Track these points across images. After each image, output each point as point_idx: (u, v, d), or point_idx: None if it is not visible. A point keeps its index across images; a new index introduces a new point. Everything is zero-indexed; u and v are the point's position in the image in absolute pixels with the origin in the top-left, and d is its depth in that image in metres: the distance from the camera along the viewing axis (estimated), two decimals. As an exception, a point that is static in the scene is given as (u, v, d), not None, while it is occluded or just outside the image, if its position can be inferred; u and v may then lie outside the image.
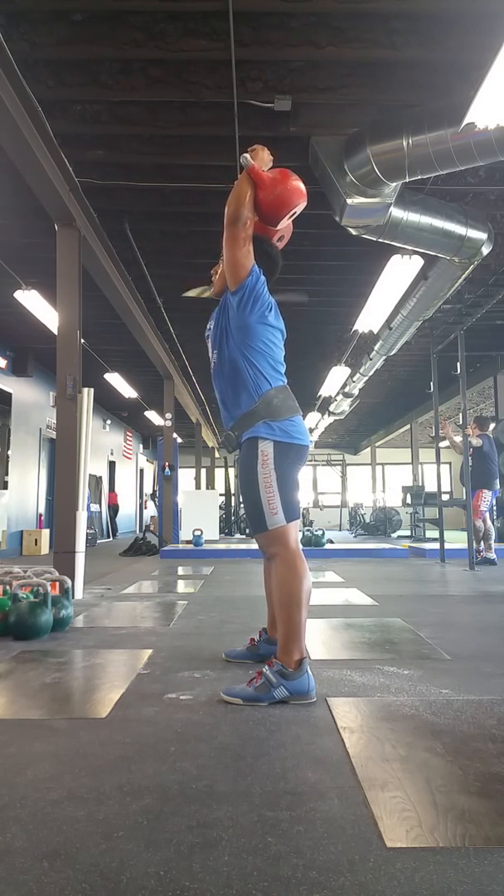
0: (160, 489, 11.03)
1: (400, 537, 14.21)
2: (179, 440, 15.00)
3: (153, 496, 13.87)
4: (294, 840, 1.26)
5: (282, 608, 2.21)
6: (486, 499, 7.56)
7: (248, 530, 14.91)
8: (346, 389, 11.99)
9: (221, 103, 4.27)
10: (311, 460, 23.84)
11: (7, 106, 3.58)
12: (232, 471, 17.24)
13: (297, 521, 2.30)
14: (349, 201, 4.59)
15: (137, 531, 18.03)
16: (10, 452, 9.88)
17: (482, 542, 7.51)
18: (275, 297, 2.51)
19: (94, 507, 14.45)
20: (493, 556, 7.52)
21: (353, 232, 5.21)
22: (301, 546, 2.33)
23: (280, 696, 2.09)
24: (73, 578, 4.45)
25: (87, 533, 5.65)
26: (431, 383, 8.03)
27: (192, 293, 3.53)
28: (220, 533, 13.29)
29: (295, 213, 2.44)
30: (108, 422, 16.19)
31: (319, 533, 10.01)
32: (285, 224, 2.47)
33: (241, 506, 16.02)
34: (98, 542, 13.31)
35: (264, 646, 2.58)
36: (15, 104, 3.67)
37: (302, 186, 2.45)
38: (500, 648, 3.01)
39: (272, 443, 2.25)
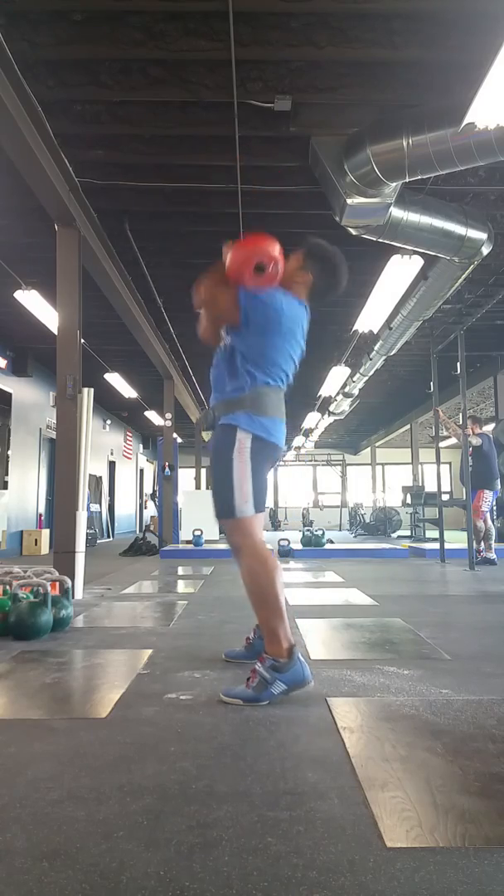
0: (160, 489, 11.03)
1: (400, 537, 14.20)
2: (179, 440, 14.99)
3: (153, 496, 13.87)
4: (294, 840, 1.26)
5: (258, 599, 2.21)
6: (487, 499, 7.56)
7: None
8: (346, 389, 11.99)
9: (221, 103, 4.27)
10: (311, 460, 23.89)
11: (7, 106, 3.58)
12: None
13: (261, 515, 2.33)
14: (349, 201, 4.60)
15: (137, 531, 18.03)
16: (10, 452, 9.88)
17: (482, 542, 7.51)
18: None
19: (94, 507, 14.45)
20: (493, 556, 7.52)
21: (353, 232, 5.21)
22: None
23: (278, 691, 2.08)
24: (73, 578, 4.44)
25: (87, 533, 5.64)
26: (431, 383, 8.03)
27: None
28: (220, 533, 13.26)
29: (262, 261, 2.36)
30: (108, 422, 16.19)
31: (319, 533, 10.00)
32: (266, 273, 2.36)
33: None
34: (98, 542, 13.31)
35: (259, 643, 2.57)
36: (15, 104, 3.67)
37: (255, 242, 2.43)
38: (500, 648, 3.01)
39: (251, 435, 2.26)
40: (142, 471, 21.87)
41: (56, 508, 4.90)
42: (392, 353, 9.15)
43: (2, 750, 1.73)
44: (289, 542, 9.05)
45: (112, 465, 17.00)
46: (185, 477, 17.18)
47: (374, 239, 5.27)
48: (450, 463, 18.88)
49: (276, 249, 2.38)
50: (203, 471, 17.49)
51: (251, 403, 2.29)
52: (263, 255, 2.35)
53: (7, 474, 9.80)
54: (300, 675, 2.12)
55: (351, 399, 12.90)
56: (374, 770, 1.58)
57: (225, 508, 2.27)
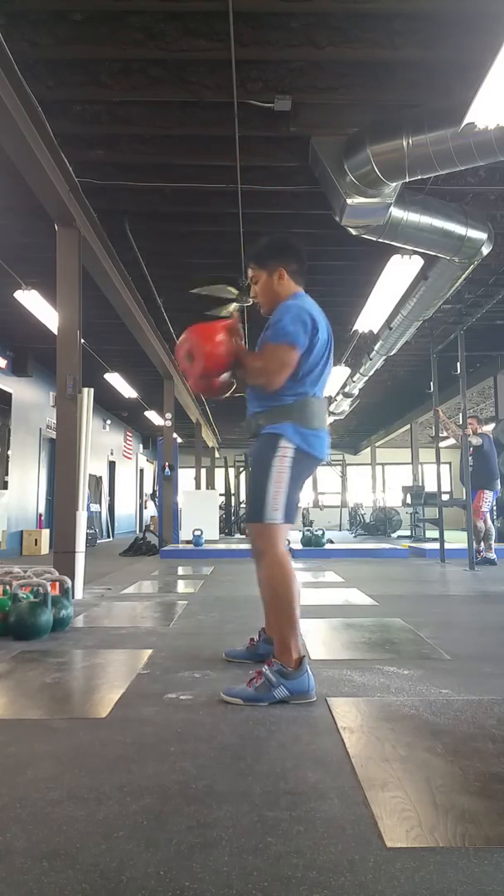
0: (160, 489, 11.03)
1: (400, 537, 14.20)
2: (179, 440, 14.98)
3: (153, 496, 13.87)
4: (294, 840, 1.26)
5: (275, 609, 2.21)
6: (488, 499, 7.56)
7: (247, 530, 14.92)
8: (346, 389, 11.99)
9: (221, 103, 4.27)
10: (311, 460, 23.80)
11: (7, 106, 3.57)
12: (232, 471, 17.25)
13: (288, 527, 2.32)
14: (349, 201, 4.60)
15: (137, 531, 18.03)
16: (10, 452, 9.88)
17: (482, 543, 7.51)
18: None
19: (94, 507, 14.45)
20: (493, 556, 7.52)
21: (353, 232, 5.21)
22: (301, 546, 2.34)
23: (280, 695, 2.09)
24: (73, 578, 4.44)
25: (87, 533, 5.64)
26: (431, 383, 8.03)
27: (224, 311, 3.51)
28: (220, 533, 13.28)
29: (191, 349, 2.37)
30: (108, 422, 16.19)
31: (319, 533, 10.00)
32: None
33: (242, 505, 16.05)
34: (98, 542, 13.31)
35: (264, 646, 2.57)
36: (15, 104, 3.67)
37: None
38: (500, 648, 3.01)
39: (294, 447, 2.26)
40: (142, 471, 21.87)
41: (56, 508, 4.90)
42: (392, 353, 9.15)
43: (2, 750, 1.73)
44: (289, 542, 9.02)
45: (112, 465, 17.00)
46: (185, 477, 17.18)
47: (374, 239, 5.27)
48: (450, 463, 18.87)
49: (212, 337, 2.36)
50: (203, 471, 17.50)
51: (298, 416, 2.28)
52: (194, 345, 2.36)
53: (7, 474, 9.80)
54: (305, 686, 2.12)
55: (351, 399, 12.90)
56: (374, 770, 1.58)
57: (255, 512, 2.27)
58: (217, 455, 21.01)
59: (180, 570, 7.16)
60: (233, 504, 15.99)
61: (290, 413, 2.28)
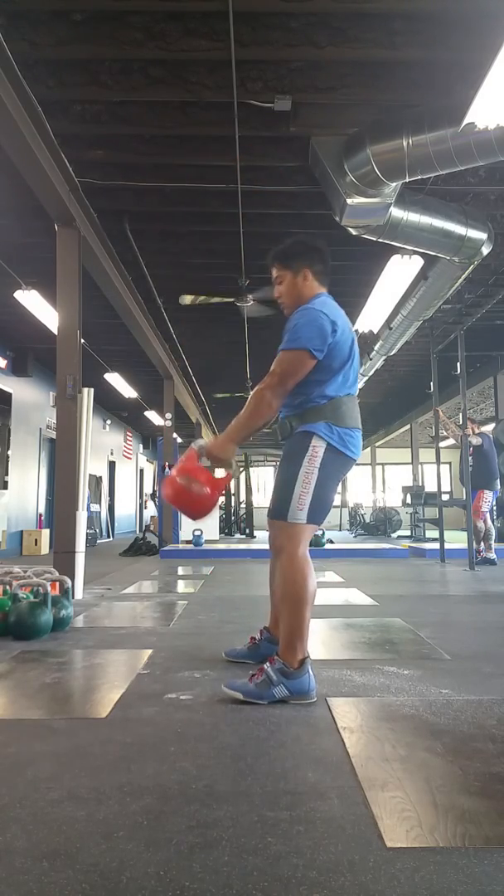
0: (160, 489, 11.01)
1: (400, 537, 14.20)
2: (179, 440, 14.98)
3: (153, 496, 13.86)
4: (294, 840, 1.26)
5: (288, 607, 2.20)
6: (488, 499, 7.56)
7: (247, 530, 14.92)
8: (347, 389, 11.97)
9: (221, 103, 4.26)
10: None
11: (7, 106, 3.57)
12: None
13: (314, 528, 2.27)
14: (349, 201, 4.59)
15: (137, 531, 18.03)
16: (10, 452, 9.88)
17: (482, 543, 7.51)
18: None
19: (94, 507, 14.45)
20: (493, 556, 7.52)
21: (353, 232, 5.21)
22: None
23: (280, 694, 2.09)
24: (73, 578, 4.44)
25: (87, 533, 5.64)
26: (431, 383, 8.03)
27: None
28: (220, 533, 13.28)
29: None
30: (108, 422, 16.19)
31: (319, 533, 10.00)
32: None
33: (242, 505, 16.04)
34: (98, 542, 13.31)
35: (265, 644, 2.57)
36: (15, 104, 3.67)
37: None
38: (500, 648, 3.01)
39: (326, 445, 2.24)
40: (142, 471, 21.86)
41: (56, 508, 4.90)
42: (392, 353, 9.14)
43: (2, 750, 1.73)
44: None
45: (112, 465, 17.00)
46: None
47: (374, 239, 5.27)
48: (450, 463, 18.87)
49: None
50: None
51: (332, 414, 2.27)
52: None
53: (7, 474, 9.80)
54: (305, 687, 2.11)
55: (351, 399, 12.87)
56: (374, 770, 1.58)
57: (278, 508, 2.24)
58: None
59: (180, 570, 7.16)
60: (233, 504, 15.98)
61: (324, 413, 2.27)
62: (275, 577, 2.39)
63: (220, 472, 2.36)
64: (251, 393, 2.31)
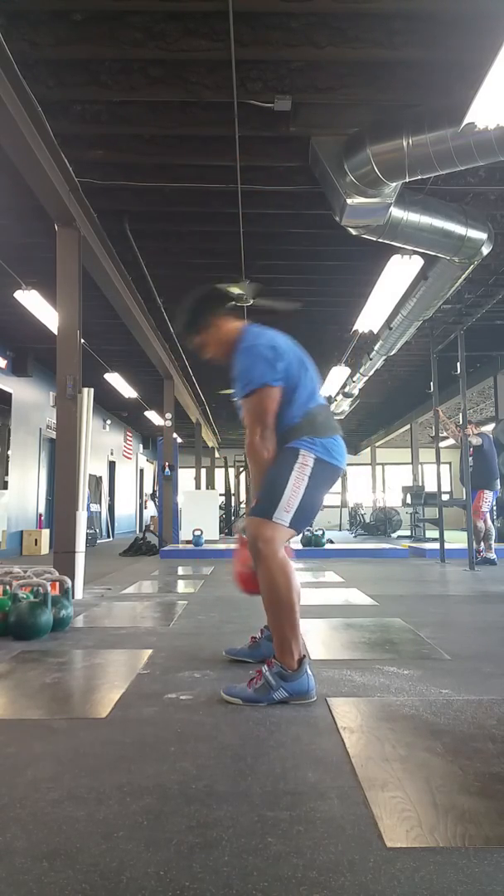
0: (160, 489, 11.03)
1: (400, 537, 14.20)
2: (179, 440, 14.99)
3: (153, 496, 13.87)
4: (294, 840, 1.26)
5: (275, 611, 2.17)
6: (488, 499, 7.56)
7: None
8: (346, 389, 11.99)
9: (221, 103, 4.26)
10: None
11: (7, 106, 3.57)
12: (232, 471, 17.24)
13: (292, 534, 2.26)
14: (349, 201, 4.59)
15: (137, 531, 18.03)
16: (10, 452, 9.88)
17: (482, 543, 7.51)
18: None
19: (94, 507, 14.45)
20: (493, 556, 7.52)
21: (353, 232, 5.21)
22: (301, 546, 2.31)
23: (279, 697, 2.08)
24: (73, 578, 4.44)
25: (87, 533, 5.64)
26: (431, 383, 8.03)
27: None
28: (220, 533, 13.28)
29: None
30: (108, 422, 16.19)
31: (319, 533, 10.01)
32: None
33: (242, 504, 16.05)
34: (98, 542, 13.31)
35: (266, 643, 2.57)
36: (15, 104, 3.67)
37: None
38: (500, 648, 3.01)
39: (314, 457, 2.24)
40: (142, 471, 21.86)
41: (56, 508, 4.90)
42: (392, 353, 9.14)
43: (2, 750, 1.73)
44: (288, 542, 9.02)
45: (112, 465, 17.00)
46: (185, 477, 17.18)
47: (374, 239, 5.27)
48: (450, 463, 18.87)
49: None
50: (203, 471, 17.49)
51: (310, 427, 2.28)
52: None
53: (7, 474, 9.80)
54: (304, 687, 2.11)
55: (351, 399, 12.89)
56: (374, 770, 1.58)
57: (263, 507, 2.21)
58: (217, 455, 21.01)
59: (180, 570, 7.16)
60: (233, 504, 15.99)
61: (303, 429, 2.28)
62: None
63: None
64: (246, 452, 2.35)
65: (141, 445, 21.70)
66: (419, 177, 4.31)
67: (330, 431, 2.31)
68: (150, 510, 19.52)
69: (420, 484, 15.79)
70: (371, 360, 9.61)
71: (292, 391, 2.30)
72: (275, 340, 2.32)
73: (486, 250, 5.58)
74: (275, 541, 2.18)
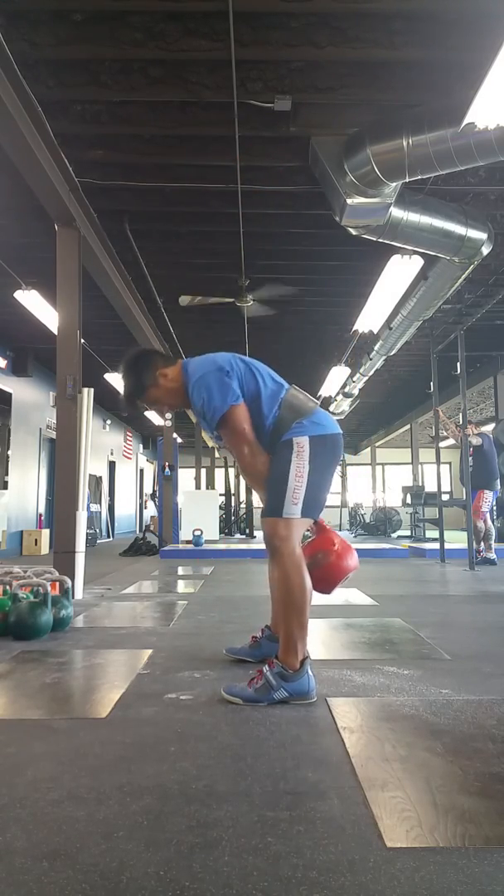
0: (160, 489, 11.03)
1: (400, 537, 14.20)
2: (179, 440, 14.98)
3: (153, 496, 13.87)
4: (294, 840, 1.26)
5: (288, 610, 2.18)
6: (488, 499, 7.56)
7: (247, 530, 14.92)
8: (346, 389, 11.99)
9: (221, 103, 4.26)
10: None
11: (7, 106, 3.57)
12: (232, 471, 17.23)
13: (307, 522, 2.27)
14: (349, 201, 4.59)
15: (137, 531, 18.03)
16: (10, 452, 9.88)
17: (482, 543, 7.51)
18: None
19: (94, 507, 14.45)
20: (493, 556, 7.52)
21: (353, 232, 5.21)
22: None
23: (280, 697, 2.08)
24: (73, 578, 4.44)
25: (87, 533, 5.64)
26: (431, 383, 8.02)
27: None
28: (220, 533, 13.29)
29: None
30: (108, 422, 16.19)
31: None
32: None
33: (242, 504, 16.04)
34: (98, 542, 13.31)
35: (266, 643, 2.57)
36: (15, 104, 3.67)
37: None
38: (500, 648, 3.01)
39: (307, 437, 2.26)
40: (142, 471, 21.86)
41: (56, 508, 4.90)
42: (392, 353, 9.14)
43: (2, 750, 1.73)
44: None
45: (112, 465, 17.00)
46: (185, 477, 17.18)
47: (374, 239, 5.27)
48: (450, 463, 18.87)
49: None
50: (203, 471, 17.49)
51: (290, 414, 2.30)
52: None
53: (7, 474, 9.80)
54: (305, 688, 2.11)
55: (351, 399, 12.89)
56: (374, 770, 1.58)
57: (272, 506, 2.22)
58: (217, 455, 21.00)
59: (180, 570, 7.16)
60: (233, 504, 15.98)
61: (285, 420, 2.30)
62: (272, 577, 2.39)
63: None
64: (242, 472, 2.41)
65: (141, 445, 21.69)
66: (419, 177, 4.31)
67: (307, 408, 2.33)
68: (150, 510, 19.52)
69: (420, 484, 15.78)
70: (371, 360, 9.61)
71: (257, 397, 2.32)
72: (216, 359, 2.35)
73: (486, 250, 5.58)
74: (290, 538, 2.19)
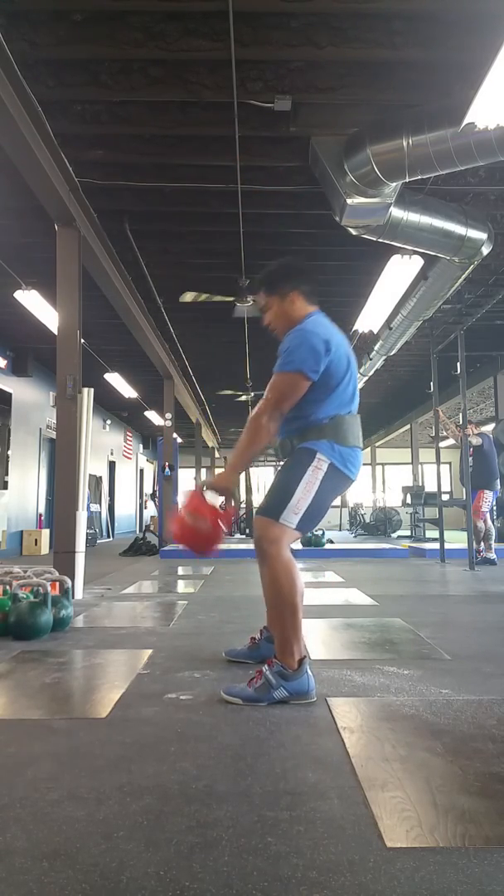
0: (160, 489, 11.02)
1: (400, 537, 14.20)
2: (179, 440, 14.98)
3: (153, 496, 13.86)
4: (294, 840, 1.26)
5: (279, 611, 2.18)
6: (488, 499, 7.56)
7: (247, 530, 14.91)
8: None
9: (221, 103, 4.26)
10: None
11: (7, 106, 3.57)
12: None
13: (298, 536, 2.27)
14: (349, 201, 4.59)
15: (137, 531, 18.02)
16: (10, 452, 9.88)
17: (482, 543, 7.51)
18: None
19: (94, 507, 14.44)
20: (493, 556, 7.52)
21: (353, 232, 5.21)
22: (301, 546, 2.32)
23: (280, 696, 2.09)
24: (73, 578, 4.44)
25: (87, 533, 5.64)
26: (431, 383, 8.02)
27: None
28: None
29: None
30: (108, 422, 16.19)
31: (319, 533, 10.00)
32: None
33: (242, 505, 16.02)
34: (98, 542, 13.30)
35: (265, 644, 2.57)
36: (15, 104, 3.67)
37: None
38: (500, 648, 3.01)
39: (329, 462, 2.23)
40: (142, 471, 21.86)
41: (56, 508, 4.90)
42: (392, 353, 9.14)
43: (2, 750, 1.73)
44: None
45: (112, 465, 17.00)
46: (185, 477, 17.17)
47: (374, 239, 5.27)
48: (450, 463, 18.86)
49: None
50: (203, 471, 17.49)
51: (333, 432, 2.26)
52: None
53: (7, 474, 9.80)
54: (304, 687, 2.11)
55: (351, 399, 12.88)
56: (374, 770, 1.58)
57: (272, 507, 2.21)
58: (217, 455, 21.01)
59: (180, 570, 7.16)
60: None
61: (325, 432, 2.26)
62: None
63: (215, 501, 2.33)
64: (248, 419, 2.31)
65: (141, 445, 21.70)
66: (419, 177, 4.31)
67: (352, 441, 2.29)
68: (151, 510, 19.52)
69: (420, 484, 15.78)
70: (371, 360, 9.60)
71: (330, 391, 2.28)
72: (332, 336, 2.29)
73: (486, 250, 5.58)
74: (280, 541, 2.19)
